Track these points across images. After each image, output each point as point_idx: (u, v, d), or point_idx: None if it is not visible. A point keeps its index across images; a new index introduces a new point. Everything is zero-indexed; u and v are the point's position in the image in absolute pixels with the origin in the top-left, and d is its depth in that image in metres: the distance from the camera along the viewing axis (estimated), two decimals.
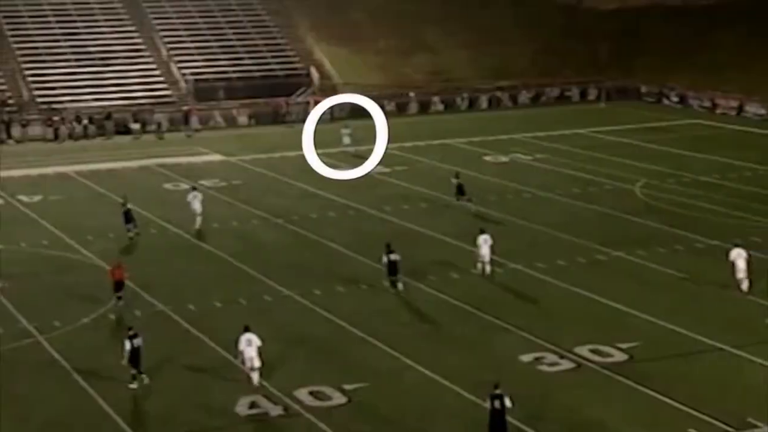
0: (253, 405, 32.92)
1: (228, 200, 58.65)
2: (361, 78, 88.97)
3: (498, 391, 29.98)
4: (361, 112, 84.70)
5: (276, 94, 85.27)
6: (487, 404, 30.14)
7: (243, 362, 34.22)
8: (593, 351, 36.48)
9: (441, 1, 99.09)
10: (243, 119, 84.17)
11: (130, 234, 51.15)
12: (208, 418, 32.37)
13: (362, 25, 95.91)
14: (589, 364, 35.62)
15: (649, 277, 44.63)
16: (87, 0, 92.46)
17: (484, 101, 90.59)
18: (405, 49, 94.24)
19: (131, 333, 34.51)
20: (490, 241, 44.88)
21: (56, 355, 37.08)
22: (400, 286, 43.41)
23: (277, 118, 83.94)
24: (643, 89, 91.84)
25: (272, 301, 42.61)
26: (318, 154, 68.40)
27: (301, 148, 71.56)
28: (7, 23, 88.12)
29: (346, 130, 72.59)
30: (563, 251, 48.05)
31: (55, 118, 78.76)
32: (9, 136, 77.90)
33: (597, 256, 47.46)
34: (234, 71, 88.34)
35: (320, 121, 79.68)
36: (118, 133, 79.36)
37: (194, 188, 55.30)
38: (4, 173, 65.26)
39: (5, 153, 73.02)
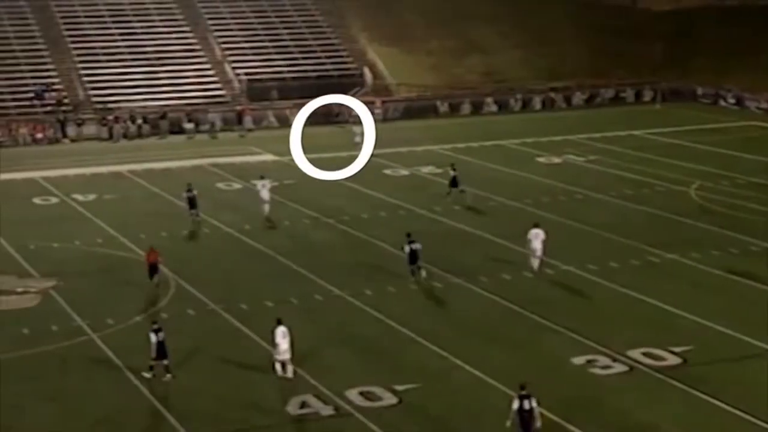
0: (303, 405, 32.97)
1: (280, 199, 58.73)
2: (413, 78, 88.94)
3: (525, 392, 29.69)
4: (416, 113, 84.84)
5: (329, 94, 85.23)
6: (515, 405, 29.66)
7: (278, 354, 34.71)
8: (646, 354, 36.19)
9: (494, 2, 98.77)
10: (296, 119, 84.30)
11: (195, 218, 53.52)
12: (258, 417, 32.47)
13: (415, 25, 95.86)
14: (642, 368, 35.35)
15: (703, 280, 44.24)
16: (143, 1, 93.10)
17: (537, 102, 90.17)
18: (458, 50, 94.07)
19: (156, 327, 35.25)
20: (542, 236, 45.15)
21: (109, 353, 37.36)
22: (423, 273, 44.00)
23: (329, 118, 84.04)
24: (699, 91, 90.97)
25: (323, 300, 42.67)
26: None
27: (352, 148, 71.64)
28: (65, 24, 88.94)
29: (357, 129, 73.53)
30: (615, 253, 47.73)
31: (110, 118, 79.34)
32: (64, 136, 78.58)
33: (650, 258, 47.09)
34: (287, 71, 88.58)
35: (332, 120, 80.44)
36: (172, 132, 79.79)
37: (262, 177, 56.02)
38: (60, 172, 65.79)
39: (61, 152, 73.69)
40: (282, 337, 34.78)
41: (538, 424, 29.57)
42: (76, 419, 32.58)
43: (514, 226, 51.44)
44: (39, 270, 46.76)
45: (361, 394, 33.56)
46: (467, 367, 35.50)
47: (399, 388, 33.88)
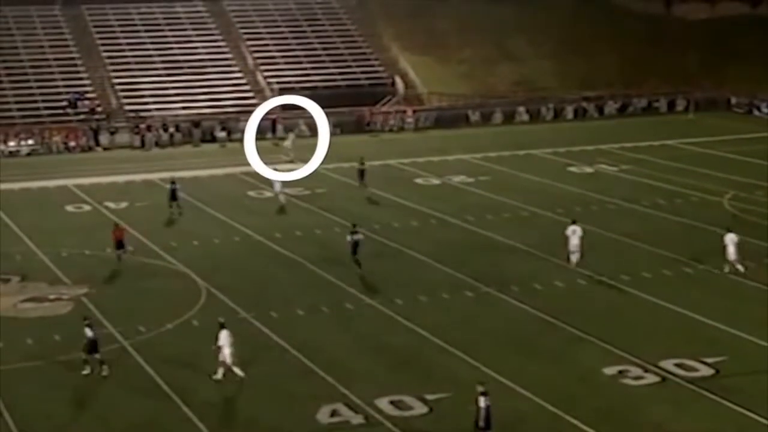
0: (334, 413, 32.91)
1: (311, 208, 58.82)
2: (445, 87, 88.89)
3: (483, 389, 30.22)
4: (447, 122, 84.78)
5: (361, 103, 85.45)
6: (482, 403, 30.04)
7: (222, 357, 35.30)
8: (678, 365, 35.94)
9: (527, 11, 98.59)
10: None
11: (173, 211, 56.94)
12: (289, 426, 32.41)
13: (447, 34, 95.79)
14: (675, 379, 35.11)
15: (736, 291, 43.91)
16: (176, 10, 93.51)
17: (569, 111, 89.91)
18: (490, 59, 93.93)
19: (87, 322, 36.63)
20: (579, 232, 46.51)
21: (140, 361, 37.41)
22: (358, 267, 46.39)
23: (361, 127, 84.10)
24: (733, 100, 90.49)
25: (354, 309, 42.61)
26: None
27: (384, 158, 71.70)
28: (98, 32, 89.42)
29: (290, 134, 75.43)
30: (648, 263, 47.46)
31: (142, 126, 79.64)
32: (97, 144, 78.92)
33: (683, 268, 46.79)
34: (319, 80, 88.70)
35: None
36: (205, 141, 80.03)
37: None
38: (92, 180, 66.05)
39: (93, 160, 74.01)
40: (225, 340, 35.37)
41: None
42: (108, 427, 32.61)
43: (545, 236, 51.31)
44: (71, 277, 46.94)
45: (392, 403, 33.47)
46: (498, 377, 35.33)
47: (430, 397, 33.77)
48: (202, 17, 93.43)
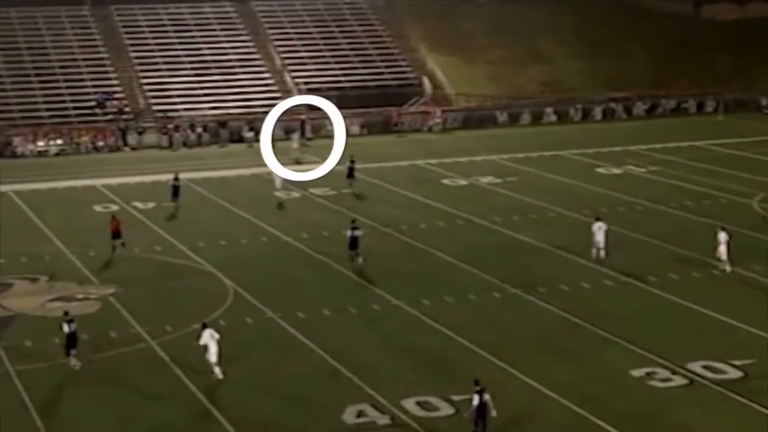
0: (360, 414, 32.90)
1: (338, 208, 58.82)
2: (473, 88, 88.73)
3: (479, 387, 30.69)
4: (475, 123, 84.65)
5: (388, 104, 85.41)
6: (475, 401, 30.51)
7: (208, 356, 35.65)
8: (706, 367, 35.76)
9: (555, 12, 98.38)
10: (355, 128, 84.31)
11: (175, 207, 58.83)
12: (315, 426, 32.42)
13: (475, 35, 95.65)
14: (702, 381, 34.93)
15: (765, 292, 43.60)
16: (204, 11, 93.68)
17: (598, 112, 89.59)
18: (518, 60, 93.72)
19: (68, 318, 37.17)
20: (604, 228, 48.02)
21: (167, 360, 37.50)
22: (359, 260, 47.45)
23: (388, 127, 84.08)
24: (763, 101, 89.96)
25: (381, 310, 42.58)
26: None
27: (411, 158, 71.62)
28: (126, 32, 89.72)
29: (294, 135, 76.07)
30: (676, 265, 47.24)
31: (170, 126, 79.85)
32: (125, 144, 79.18)
33: (711, 270, 46.53)
34: (346, 80, 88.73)
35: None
36: (232, 141, 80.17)
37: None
38: (120, 180, 66.27)
39: (121, 160, 74.27)
40: (209, 338, 35.78)
41: (494, 413, 30.70)
42: (134, 425, 32.74)
43: (572, 237, 51.16)
44: (99, 277, 47.12)
45: (418, 404, 33.44)
46: (525, 379, 35.26)
47: (456, 398, 33.69)
48: (230, 18, 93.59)
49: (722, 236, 46.34)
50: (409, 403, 33.38)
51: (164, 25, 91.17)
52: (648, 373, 35.54)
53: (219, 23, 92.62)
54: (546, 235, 52.62)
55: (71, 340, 36.85)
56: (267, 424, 32.76)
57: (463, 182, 65.74)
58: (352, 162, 63.63)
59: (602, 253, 47.53)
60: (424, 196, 61.52)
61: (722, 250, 46.08)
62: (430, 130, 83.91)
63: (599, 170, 68.69)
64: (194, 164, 71.72)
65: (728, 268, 45.97)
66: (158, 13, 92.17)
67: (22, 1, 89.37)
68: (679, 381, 35.01)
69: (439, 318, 41.15)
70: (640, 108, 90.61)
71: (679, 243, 50.36)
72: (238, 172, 69.21)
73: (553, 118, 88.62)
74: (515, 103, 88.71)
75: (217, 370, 35.62)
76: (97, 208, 60.21)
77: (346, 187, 62.85)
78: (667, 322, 40.59)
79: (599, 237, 47.75)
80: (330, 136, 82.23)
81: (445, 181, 66.13)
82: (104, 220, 57.33)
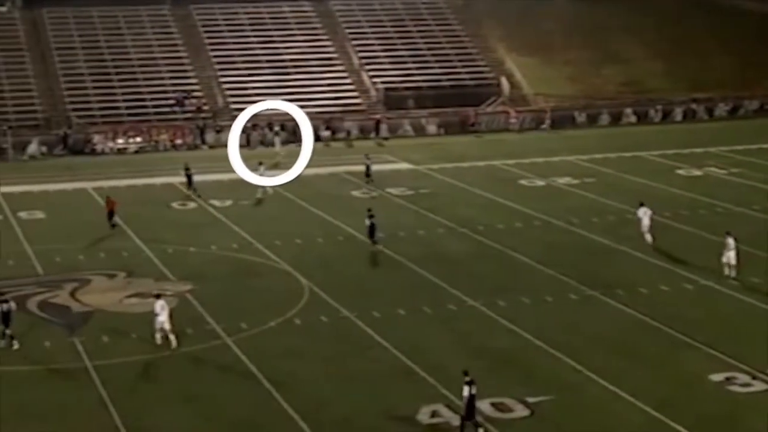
0: (434, 414, 32.75)
1: (414, 208, 58.72)
2: (551, 89, 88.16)
3: (468, 378, 31.06)
4: (553, 123, 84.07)
5: (465, 104, 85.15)
6: (465, 392, 30.88)
7: (158, 324, 38.35)
8: None
9: (634, 11, 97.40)
10: (432, 128, 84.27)
11: (192, 194, 61.80)
12: (389, 425, 32.31)
13: (553, 35, 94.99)
14: None
15: None
16: (282, 10, 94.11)
17: (678, 113, 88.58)
18: (597, 60, 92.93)
19: (2, 298, 39.23)
20: (649, 213, 50.55)
21: (242, 357, 37.61)
22: (379, 246, 49.97)
23: (465, 127, 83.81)
24: None
25: (456, 310, 42.38)
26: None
27: (488, 159, 71.29)
28: (205, 32, 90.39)
29: (278, 138, 77.20)
30: (757, 268, 46.42)
31: (248, 125, 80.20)
32: (203, 142, 79.78)
33: None
34: (424, 80, 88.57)
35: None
36: None
37: (260, 163, 61.53)
38: (198, 178, 66.62)
39: (199, 158, 74.70)
40: (161, 309, 38.26)
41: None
42: (211, 422, 32.84)
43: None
44: (176, 274, 47.43)
45: (493, 405, 33.21)
46: (601, 381, 34.87)
47: (531, 400, 33.43)
48: (308, 17, 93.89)
49: (731, 241, 45.29)
50: (484, 404, 33.10)
51: (242, 25, 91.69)
52: (727, 378, 34.96)
53: (297, 22, 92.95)
54: (624, 236, 52.05)
55: (5, 317, 38.71)
56: (340, 421, 32.69)
57: (541, 183, 65.30)
58: (369, 158, 65.38)
59: (648, 237, 49.93)
60: (500, 197, 61.19)
61: (731, 255, 45.11)
62: (518, 129, 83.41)
63: (679, 172, 67.86)
64: (271, 163, 71.92)
65: (734, 272, 45.16)
66: (237, 13, 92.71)
67: (104, 1, 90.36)
68: (759, 386, 34.38)
69: (515, 319, 40.85)
70: (722, 109, 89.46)
71: (760, 246, 49.49)
72: (315, 171, 69.28)
73: (633, 118, 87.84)
74: (594, 104, 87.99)
75: (158, 336, 38.35)
76: (175, 205, 60.68)
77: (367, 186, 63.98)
78: (748, 326, 39.89)
79: (645, 221, 50.27)
80: (407, 136, 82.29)
81: (522, 182, 65.74)
82: (183, 218, 58.03)
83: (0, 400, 34.40)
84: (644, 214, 50.46)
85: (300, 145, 76.65)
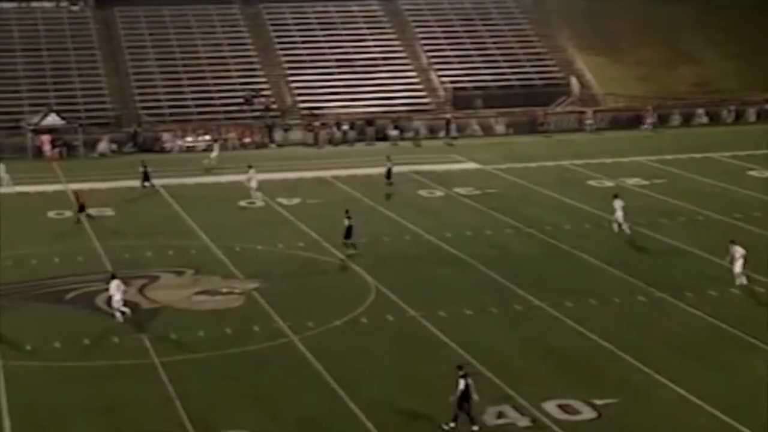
0: (500, 415, 32.57)
1: (482, 208, 58.49)
2: (622, 89, 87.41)
3: (462, 372, 31.68)
4: (623, 124, 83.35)
5: (534, 104, 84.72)
6: (461, 385, 31.28)
7: (115, 304, 40.80)
8: None
9: (706, 11, 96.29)
10: (500, 128, 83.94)
11: (147, 191, 62.97)
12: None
13: (624, 35, 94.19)
14: None
15: None
16: (351, 9, 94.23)
17: (752, 114, 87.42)
18: (668, 60, 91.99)
19: None
20: (621, 203, 52.31)
21: (308, 355, 37.65)
22: (351, 250, 49.52)
23: (534, 127, 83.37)
24: None
25: (523, 310, 42.12)
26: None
27: (557, 159, 70.81)
28: (275, 31, 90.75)
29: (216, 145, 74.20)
30: None
31: (316, 124, 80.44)
32: (271, 140, 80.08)
33: None
34: (492, 80, 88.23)
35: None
36: (378, 139, 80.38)
37: (250, 166, 61.92)
38: (266, 176, 66.85)
39: (267, 156, 74.98)
40: (116, 289, 40.73)
41: (476, 397, 31.53)
42: (277, 420, 32.91)
43: (722, 242, 49.75)
44: (243, 271, 47.61)
45: (559, 406, 32.95)
46: (670, 385, 34.47)
47: (598, 402, 33.13)
48: (376, 16, 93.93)
49: (736, 249, 44.36)
50: (550, 406, 32.91)
51: (311, 24, 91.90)
52: None
53: (365, 21, 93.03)
54: (694, 238, 51.46)
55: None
56: (406, 421, 32.62)
57: (609, 183, 64.69)
58: (390, 160, 65.15)
59: (625, 227, 51.48)
60: (568, 197, 60.77)
61: (740, 264, 44.22)
62: (593, 130, 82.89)
63: (752, 173, 66.95)
64: (339, 162, 72.14)
65: (744, 280, 44.08)
66: (305, 12, 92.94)
67: (175, 0, 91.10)
68: None
69: (582, 320, 40.51)
70: None
71: None
72: (383, 170, 69.12)
73: (705, 119, 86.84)
74: (665, 104, 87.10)
75: (119, 314, 40.71)
76: (242, 203, 60.90)
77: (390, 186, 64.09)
78: None
79: (619, 213, 51.72)
80: (475, 136, 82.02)
81: (591, 183, 65.23)
82: (250, 216, 58.23)
83: (68, 394, 34.76)
84: (619, 207, 52.00)
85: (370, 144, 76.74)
